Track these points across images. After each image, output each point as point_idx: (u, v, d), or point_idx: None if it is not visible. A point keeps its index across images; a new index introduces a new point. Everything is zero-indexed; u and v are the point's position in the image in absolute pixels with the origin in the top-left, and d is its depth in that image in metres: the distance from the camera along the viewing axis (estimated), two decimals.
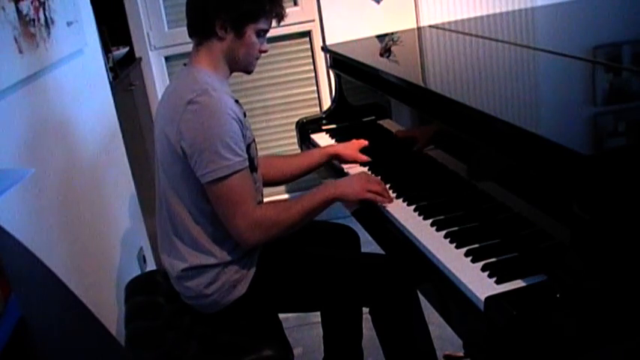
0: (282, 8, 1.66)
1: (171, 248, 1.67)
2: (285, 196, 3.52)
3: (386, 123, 2.07)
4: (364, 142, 2.03)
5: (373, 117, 2.15)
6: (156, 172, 1.70)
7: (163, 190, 1.65)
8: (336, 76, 2.44)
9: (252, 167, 1.64)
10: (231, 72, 1.70)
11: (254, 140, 1.70)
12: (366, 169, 1.95)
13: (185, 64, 1.68)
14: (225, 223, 1.58)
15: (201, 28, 1.63)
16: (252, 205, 1.57)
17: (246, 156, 1.57)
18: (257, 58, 1.69)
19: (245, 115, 1.67)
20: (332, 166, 2.06)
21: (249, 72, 1.72)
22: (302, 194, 1.66)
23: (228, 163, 1.52)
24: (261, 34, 1.65)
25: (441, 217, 1.54)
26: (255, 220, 1.56)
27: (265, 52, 1.70)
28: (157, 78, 3.36)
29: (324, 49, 2.51)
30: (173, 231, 1.65)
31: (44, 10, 1.85)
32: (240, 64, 1.68)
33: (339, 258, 1.75)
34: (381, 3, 3.29)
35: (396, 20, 3.20)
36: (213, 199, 1.56)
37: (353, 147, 2.01)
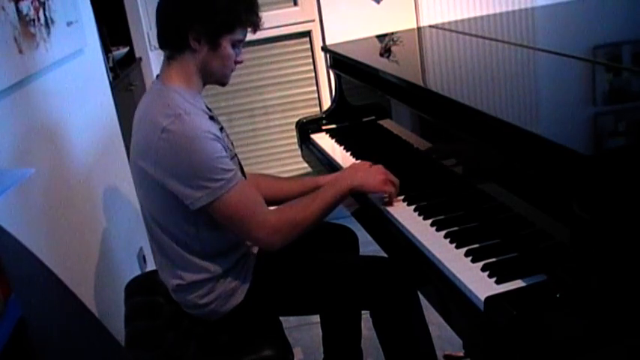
0: (259, 17, 1.58)
1: (163, 266, 1.66)
2: None
3: (386, 123, 2.07)
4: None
5: (373, 117, 2.15)
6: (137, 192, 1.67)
7: (145, 215, 1.63)
8: (336, 76, 2.44)
9: None
10: (205, 85, 1.63)
11: (236, 155, 1.66)
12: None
13: (157, 77, 1.61)
14: (245, 238, 1.56)
15: (173, 41, 1.55)
16: (263, 212, 1.54)
17: (234, 167, 1.53)
18: (232, 70, 1.62)
19: (222, 130, 1.62)
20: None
21: (223, 84, 1.65)
22: (316, 192, 1.63)
23: (220, 184, 1.47)
24: (237, 44, 1.58)
25: (441, 217, 1.54)
26: (273, 226, 1.53)
27: (241, 62, 1.63)
28: None
29: (324, 49, 2.51)
30: (161, 253, 1.64)
31: (44, 10, 1.85)
32: (214, 77, 1.61)
33: (338, 262, 1.74)
34: (381, 3, 3.29)
35: (396, 20, 3.20)
36: (222, 220, 1.52)
37: None
